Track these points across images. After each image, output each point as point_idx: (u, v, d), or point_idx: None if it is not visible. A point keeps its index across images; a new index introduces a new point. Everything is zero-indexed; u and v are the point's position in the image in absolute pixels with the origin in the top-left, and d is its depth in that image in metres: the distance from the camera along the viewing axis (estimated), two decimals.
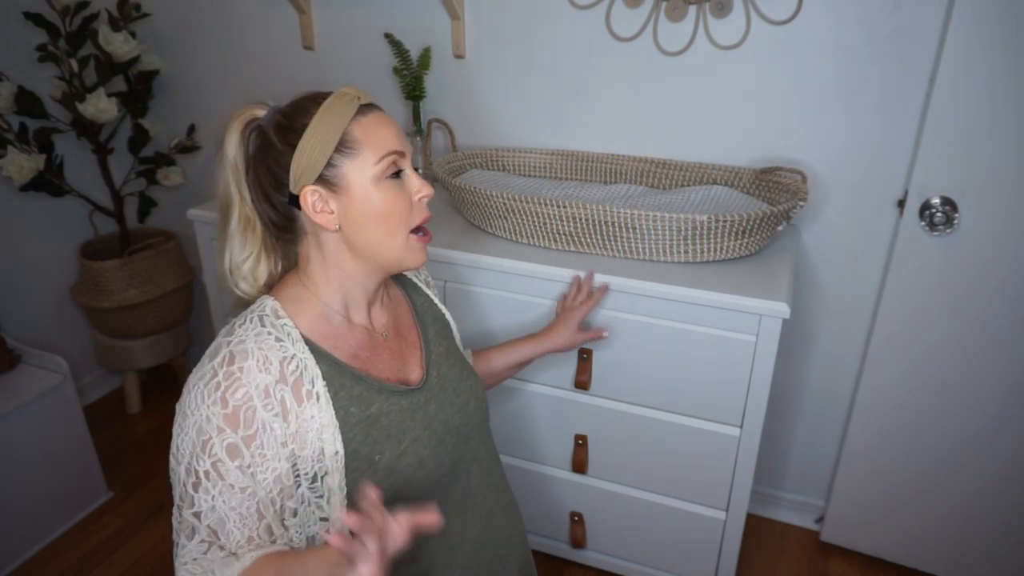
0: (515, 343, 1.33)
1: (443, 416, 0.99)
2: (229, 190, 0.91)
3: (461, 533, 0.99)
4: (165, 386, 2.63)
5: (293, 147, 0.87)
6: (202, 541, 0.84)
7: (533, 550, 1.84)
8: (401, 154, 0.90)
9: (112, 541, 2.00)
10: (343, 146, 0.87)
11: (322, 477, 0.88)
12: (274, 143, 0.88)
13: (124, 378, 2.48)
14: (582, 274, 1.44)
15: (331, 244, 0.91)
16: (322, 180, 0.88)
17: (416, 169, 0.96)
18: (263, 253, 0.94)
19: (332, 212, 0.89)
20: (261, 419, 0.84)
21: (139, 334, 2.34)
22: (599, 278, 1.46)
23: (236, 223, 0.92)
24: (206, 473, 0.83)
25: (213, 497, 0.83)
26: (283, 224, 0.92)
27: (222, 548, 0.85)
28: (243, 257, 0.93)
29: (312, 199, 0.88)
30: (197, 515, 0.84)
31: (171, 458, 0.88)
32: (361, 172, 0.88)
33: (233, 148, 0.90)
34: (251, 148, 0.91)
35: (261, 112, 0.91)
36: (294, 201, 0.89)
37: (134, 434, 2.41)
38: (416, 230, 0.93)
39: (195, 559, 0.84)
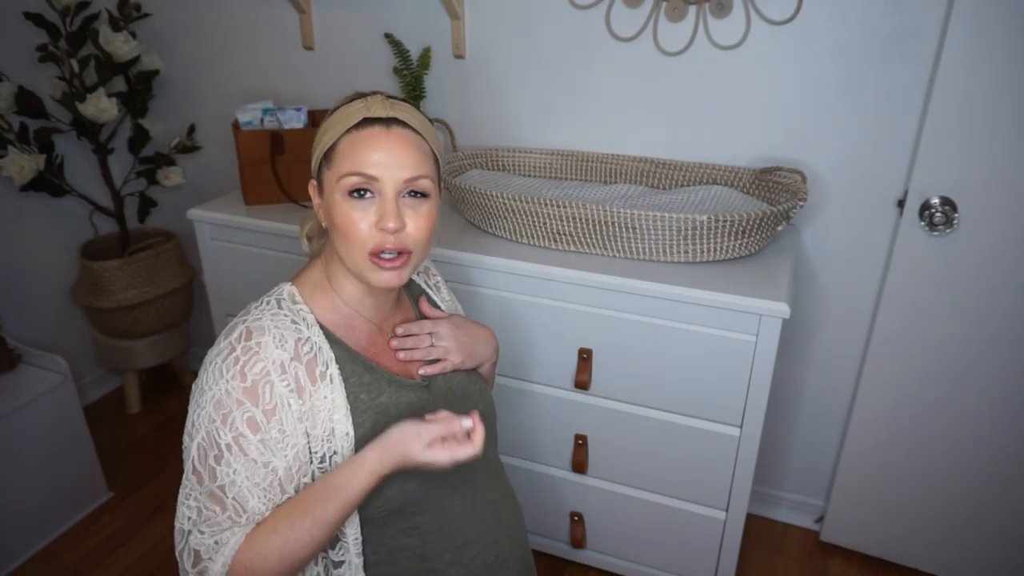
0: None
1: None
2: None
3: (468, 534, 1.00)
4: (165, 386, 2.63)
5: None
6: (229, 517, 0.84)
7: (533, 550, 1.85)
8: (371, 178, 0.88)
9: (112, 541, 2.00)
10: (328, 154, 0.91)
11: (331, 457, 0.89)
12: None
13: (124, 378, 2.48)
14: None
15: (332, 239, 0.95)
16: (318, 178, 0.94)
17: (421, 194, 0.92)
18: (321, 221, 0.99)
19: (320, 208, 0.95)
20: (279, 394, 0.86)
21: (139, 334, 2.34)
22: (598, 278, 1.46)
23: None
24: (227, 446, 0.84)
25: (235, 471, 0.84)
26: None
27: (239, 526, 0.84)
28: (310, 216, 1.01)
29: (312, 191, 0.96)
30: (222, 488, 0.84)
31: (184, 436, 0.89)
32: (329, 183, 0.91)
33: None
34: None
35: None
36: None
37: (134, 434, 2.41)
38: (378, 253, 0.90)
39: (216, 542, 0.83)
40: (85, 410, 2.23)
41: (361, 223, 0.88)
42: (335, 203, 0.90)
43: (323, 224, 0.95)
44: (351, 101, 0.93)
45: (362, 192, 0.88)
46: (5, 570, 1.88)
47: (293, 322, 0.90)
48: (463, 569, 0.99)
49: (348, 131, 0.89)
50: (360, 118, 0.90)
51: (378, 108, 0.91)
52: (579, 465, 1.65)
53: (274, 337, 0.87)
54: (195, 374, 0.92)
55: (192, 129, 2.30)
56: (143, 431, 2.43)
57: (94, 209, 2.29)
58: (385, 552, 0.95)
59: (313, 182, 0.95)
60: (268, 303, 0.92)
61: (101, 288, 2.24)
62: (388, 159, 0.88)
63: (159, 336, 2.40)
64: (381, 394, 0.94)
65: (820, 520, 1.99)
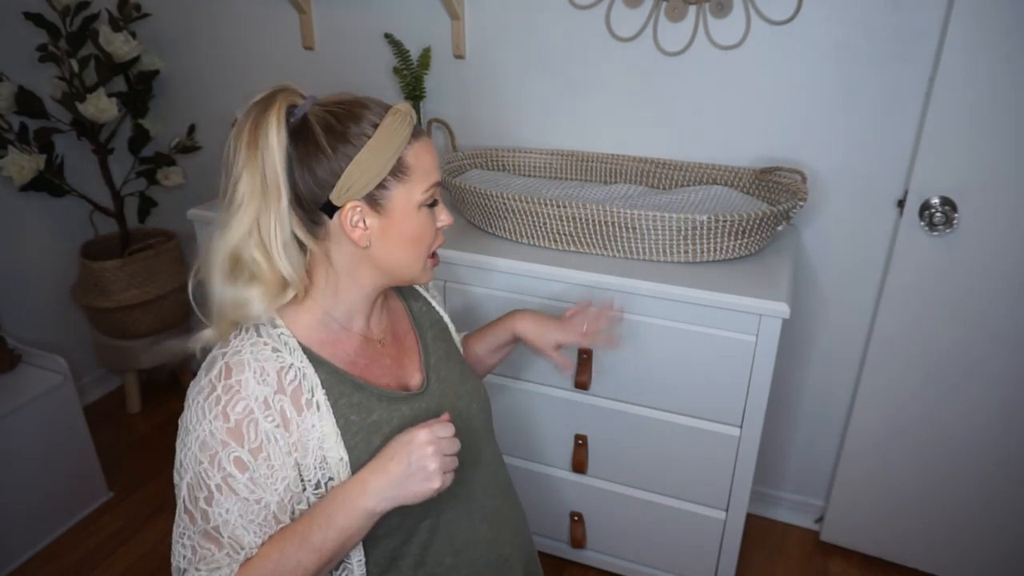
0: (489, 325, 1.25)
1: None
2: (268, 178, 0.83)
3: (468, 534, 0.99)
4: (165, 386, 2.63)
5: (348, 157, 0.84)
6: (227, 555, 0.83)
7: None
8: (440, 184, 0.93)
9: (112, 541, 2.00)
10: (398, 170, 0.87)
11: (326, 483, 0.88)
12: (321, 145, 0.84)
13: (124, 378, 2.48)
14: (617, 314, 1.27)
15: (349, 256, 0.90)
16: (368, 197, 0.86)
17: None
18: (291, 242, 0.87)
19: (366, 229, 0.88)
20: (264, 430, 0.84)
21: (139, 334, 2.34)
22: (598, 278, 1.46)
23: (283, 209, 0.84)
24: (218, 487, 0.83)
25: (227, 510, 0.83)
26: (307, 223, 0.88)
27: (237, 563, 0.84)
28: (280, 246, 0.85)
29: (351, 214, 0.86)
30: (216, 528, 0.83)
31: (174, 473, 0.88)
32: (407, 198, 0.89)
33: (274, 134, 0.84)
34: (288, 138, 0.85)
35: (299, 100, 0.89)
36: (327, 208, 0.86)
37: (134, 434, 2.41)
38: (432, 254, 0.97)
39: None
40: (85, 410, 2.23)
41: (432, 229, 0.93)
42: (410, 215, 0.89)
43: (361, 245, 0.87)
44: (380, 113, 0.87)
45: (435, 201, 0.93)
46: (5, 570, 1.88)
47: (275, 350, 0.87)
48: (465, 571, 0.99)
49: (408, 142, 0.89)
50: (411, 128, 0.89)
51: (413, 114, 0.91)
52: (579, 465, 1.65)
53: (255, 372, 0.84)
54: (195, 374, 0.91)
55: (192, 129, 2.30)
56: (143, 431, 2.43)
57: (94, 209, 2.29)
58: (386, 562, 0.94)
59: (354, 203, 0.86)
60: (247, 331, 0.88)
61: (101, 288, 2.24)
62: (437, 163, 0.93)
63: (159, 336, 2.40)
64: (372, 412, 0.91)
65: (820, 520, 1.99)
